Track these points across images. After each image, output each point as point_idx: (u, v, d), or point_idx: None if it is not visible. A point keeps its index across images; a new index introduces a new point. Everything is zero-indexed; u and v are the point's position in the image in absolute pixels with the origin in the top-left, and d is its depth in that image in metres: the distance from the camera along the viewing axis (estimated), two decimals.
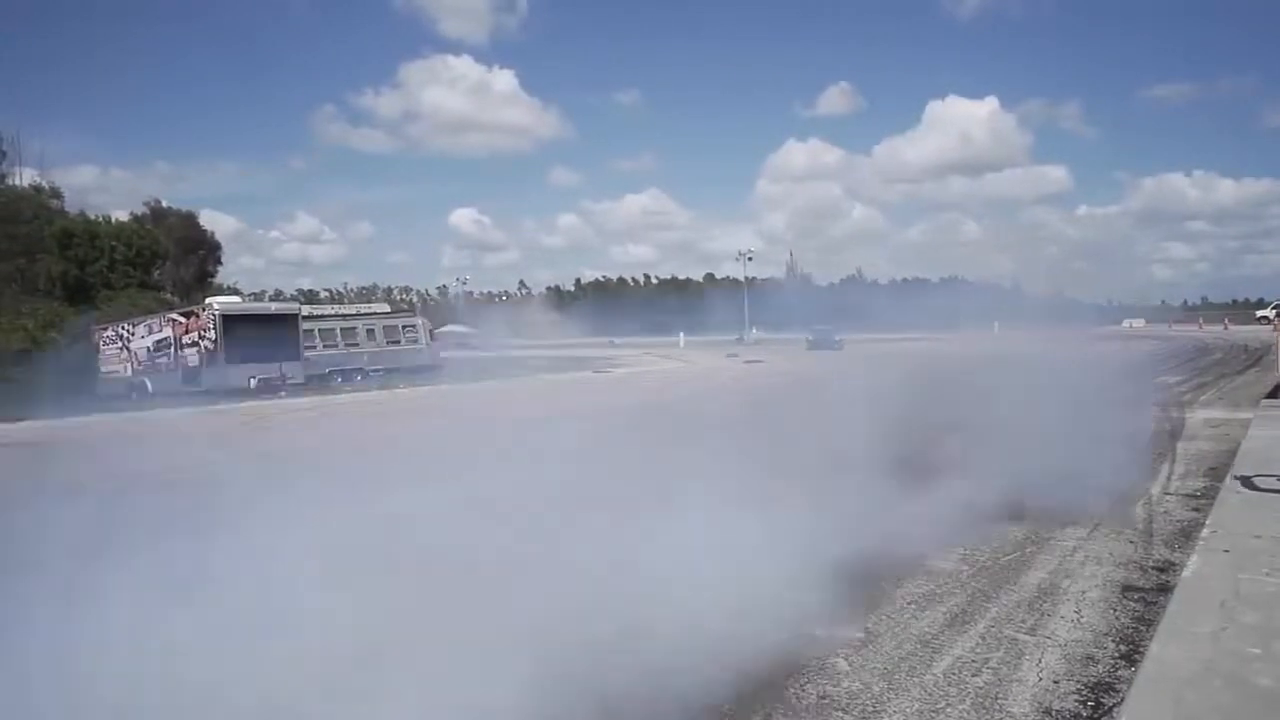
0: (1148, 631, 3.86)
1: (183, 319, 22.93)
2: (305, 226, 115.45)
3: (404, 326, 27.26)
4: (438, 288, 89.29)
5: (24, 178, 33.54)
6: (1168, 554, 5.26)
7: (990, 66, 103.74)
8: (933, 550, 5.40)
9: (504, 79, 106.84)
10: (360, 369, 24.58)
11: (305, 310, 26.41)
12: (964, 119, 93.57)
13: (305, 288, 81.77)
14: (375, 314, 27.96)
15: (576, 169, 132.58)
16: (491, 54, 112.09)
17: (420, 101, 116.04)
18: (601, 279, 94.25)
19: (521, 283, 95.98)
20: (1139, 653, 3.64)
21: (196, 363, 22.08)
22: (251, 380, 21.46)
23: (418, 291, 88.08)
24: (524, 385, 24.15)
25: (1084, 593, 4.61)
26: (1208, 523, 5.42)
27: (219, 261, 44.86)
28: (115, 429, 15.27)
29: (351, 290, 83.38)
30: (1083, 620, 4.19)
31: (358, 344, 25.28)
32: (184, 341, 22.44)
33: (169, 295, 28.02)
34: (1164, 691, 3.01)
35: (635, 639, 3.68)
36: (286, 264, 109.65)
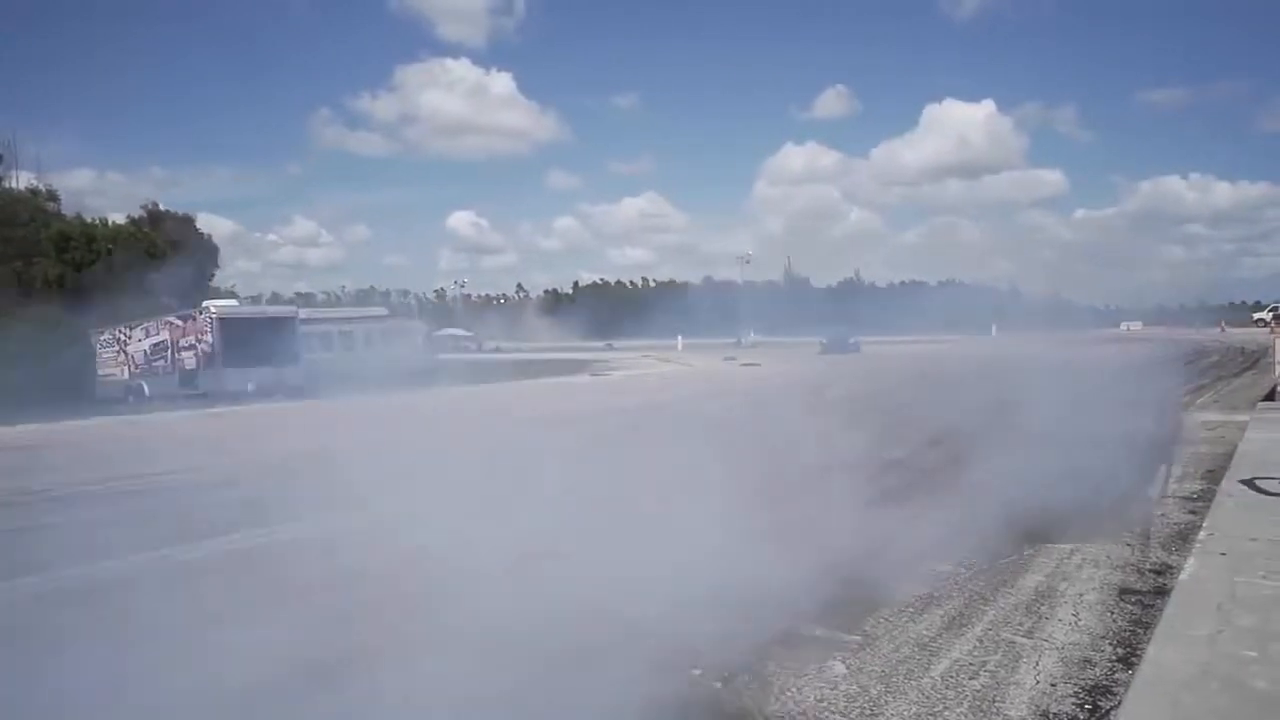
0: (1145, 634, 3.86)
1: (180, 322, 22.88)
2: (302, 230, 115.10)
3: (402, 330, 27.26)
4: (435, 290, 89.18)
5: (20, 180, 33.39)
6: (1165, 557, 5.27)
7: (987, 70, 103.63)
8: (930, 552, 5.40)
9: (501, 82, 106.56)
10: (355, 373, 24.54)
11: (303, 314, 26.38)
12: (961, 122, 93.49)
13: (302, 291, 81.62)
14: (373, 317, 27.96)
15: (574, 172, 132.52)
16: (489, 57, 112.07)
17: (417, 104, 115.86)
18: (599, 282, 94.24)
19: (519, 285, 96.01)
20: (1136, 656, 3.64)
21: (193, 366, 22.05)
22: (249, 384, 21.42)
23: (415, 294, 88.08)
24: (525, 388, 24.16)
25: (1081, 596, 4.61)
26: (1205, 526, 5.43)
27: (216, 265, 44.80)
28: (114, 432, 15.24)
29: (349, 293, 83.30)
30: (1080, 623, 4.20)
31: (355, 348, 25.24)
32: (181, 345, 22.40)
33: (166, 299, 27.91)
34: (1161, 694, 3.01)
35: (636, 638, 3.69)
36: (283, 267, 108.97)
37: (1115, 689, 3.39)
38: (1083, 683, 3.49)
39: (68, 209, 33.70)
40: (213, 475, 9.44)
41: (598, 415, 14.95)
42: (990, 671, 3.65)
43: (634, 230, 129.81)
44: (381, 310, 33.29)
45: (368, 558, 5.20)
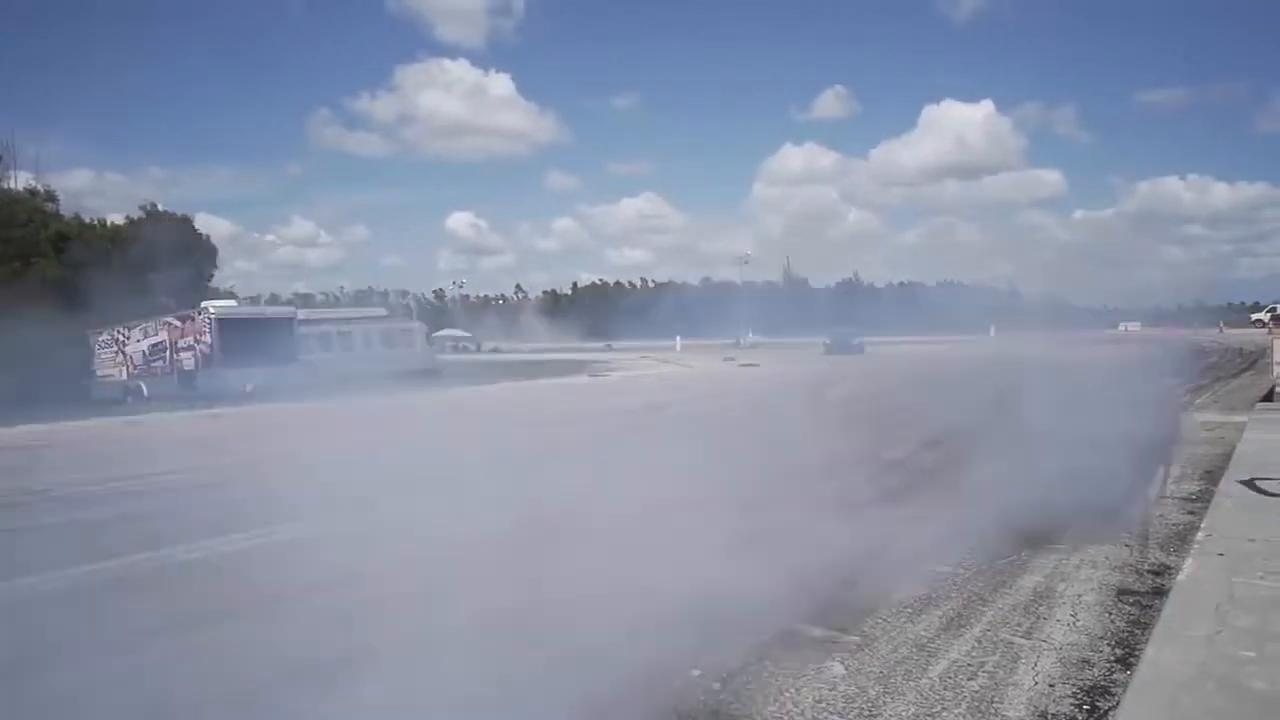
0: (1143, 635, 3.87)
1: (178, 323, 22.85)
2: (301, 230, 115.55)
3: (401, 330, 27.25)
4: (434, 291, 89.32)
5: (19, 181, 33.35)
6: (1163, 557, 5.27)
7: (986, 70, 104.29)
8: (929, 553, 5.40)
9: (500, 83, 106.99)
10: (354, 374, 24.52)
11: (301, 314, 26.36)
12: (959, 122, 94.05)
13: (301, 291, 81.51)
14: (371, 318, 27.95)
15: (573, 172, 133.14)
16: (488, 58, 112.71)
17: (416, 105, 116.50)
18: (597, 282, 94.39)
19: (518, 286, 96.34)
20: (1134, 656, 3.65)
21: (192, 367, 22.03)
22: (248, 385, 21.40)
23: (414, 295, 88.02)
24: (527, 389, 24.15)
25: (1080, 596, 4.62)
26: (1203, 526, 5.44)
27: (215, 265, 44.76)
28: (113, 433, 15.22)
29: (348, 294, 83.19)
30: (1078, 624, 4.20)
31: (353, 348, 25.22)
32: (179, 346, 22.38)
33: (164, 299, 27.87)
34: (1159, 695, 3.02)
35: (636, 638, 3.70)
36: (282, 267, 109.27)
37: (1113, 690, 3.40)
38: (1081, 683, 3.50)
39: (66, 209, 33.60)
40: (211, 475, 9.45)
41: (598, 415, 14.96)
42: (989, 672, 3.66)
43: (633, 231, 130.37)
44: (380, 311, 33.30)
45: (367, 558, 5.20)
